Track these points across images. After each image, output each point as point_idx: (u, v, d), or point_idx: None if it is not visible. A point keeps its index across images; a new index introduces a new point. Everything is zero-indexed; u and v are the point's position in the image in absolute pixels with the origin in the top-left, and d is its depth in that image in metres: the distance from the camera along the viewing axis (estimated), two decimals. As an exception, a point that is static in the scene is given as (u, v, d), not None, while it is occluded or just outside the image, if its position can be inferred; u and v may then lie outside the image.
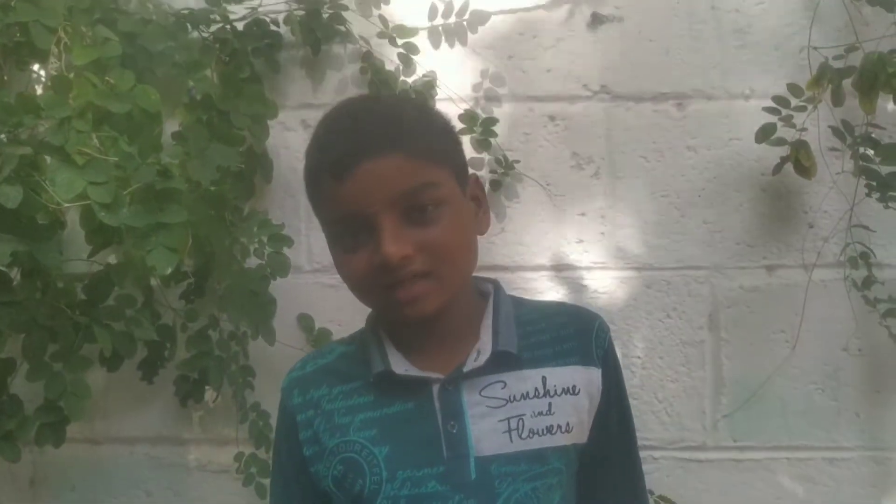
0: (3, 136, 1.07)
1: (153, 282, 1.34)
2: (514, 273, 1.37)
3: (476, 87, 1.37)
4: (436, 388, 0.81)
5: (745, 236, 1.35)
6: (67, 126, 1.10)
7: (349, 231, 0.76)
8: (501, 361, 0.81)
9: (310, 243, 1.41)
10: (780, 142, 1.24)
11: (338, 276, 1.38)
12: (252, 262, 1.33)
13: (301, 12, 1.35)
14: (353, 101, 0.86)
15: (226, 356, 1.35)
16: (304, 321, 1.39)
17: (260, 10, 1.36)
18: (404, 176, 0.73)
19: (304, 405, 0.86)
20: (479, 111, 1.36)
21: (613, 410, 0.88)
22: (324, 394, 0.85)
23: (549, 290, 1.37)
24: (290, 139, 1.42)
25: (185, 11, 1.32)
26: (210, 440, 1.42)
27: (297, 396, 0.87)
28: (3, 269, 1.11)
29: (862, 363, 1.34)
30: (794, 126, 1.23)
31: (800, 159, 1.24)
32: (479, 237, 0.85)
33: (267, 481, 1.38)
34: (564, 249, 1.37)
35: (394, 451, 0.80)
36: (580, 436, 0.85)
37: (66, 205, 1.09)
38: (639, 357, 1.36)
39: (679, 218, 1.36)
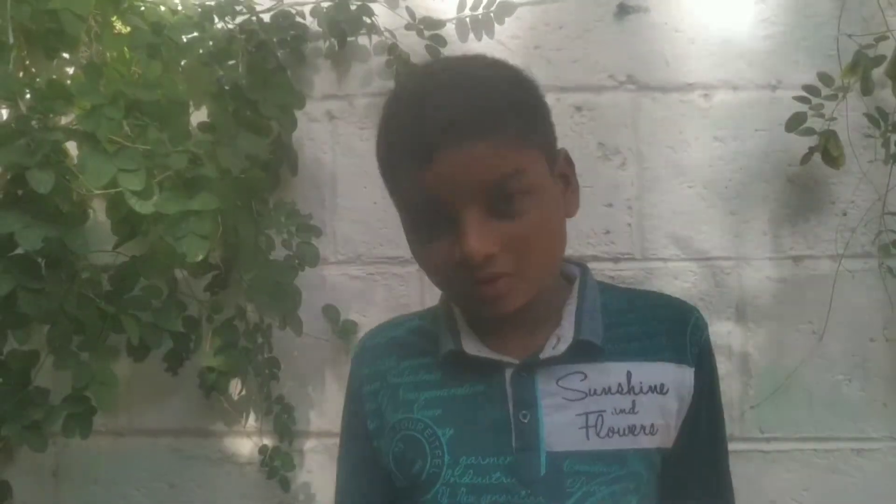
0: (34, 122, 1.06)
1: (178, 273, 1.33)
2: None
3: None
4: (509, 373, 0.75)
5: (772, 227, 1.34)
6: (99, 113, 1.10)
7: (427, 219, 0.69)
8: (583, 351, 0.75)
9: (335, 234, 1.41)
10: (809, 131, 1.24)
11: (363, 267, 1.43)
12: (277, 253, 1.32)
13: (327, 3, 1.35)
14: (436, 71, 0.74)
15: (252, 347, 1.34)
16: (330, 312, 1.38)
17: (286, 1, 1.36)
18: (492, 166, 0.65)
19: (371, 376, 0.82)
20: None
21: (704, 415, 0.80)
22: (391, 366, 0.81)
23: (575, 282, 1.36)
24: (315, 131, 1.41)
25: (212, 2, 1.32)
26: (234, 432, 1.41)
27: (365, 366, 0.83)
28: (32, 255, 1.10)
29: (890, 353, 1.33)
30: (823, 116, 1.23)
31: (828, 149, 1.24)
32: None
33: (290, 474, 1.37)
34: (591, 240, 1.37)
35: (458, 435, 0.75)
36: (665, 440, 0.77)
37: (96, 192, 1.09)
38: (666, 348, 1.35)
39: (706, 209, 1.35)
